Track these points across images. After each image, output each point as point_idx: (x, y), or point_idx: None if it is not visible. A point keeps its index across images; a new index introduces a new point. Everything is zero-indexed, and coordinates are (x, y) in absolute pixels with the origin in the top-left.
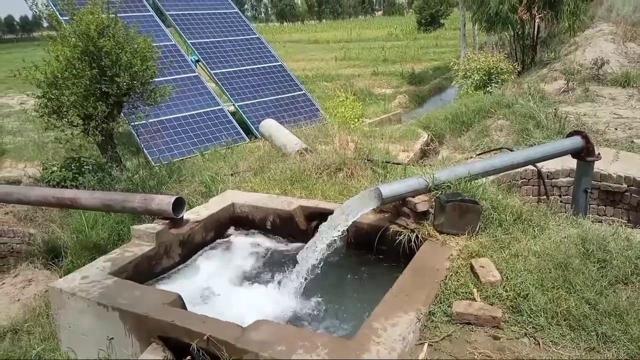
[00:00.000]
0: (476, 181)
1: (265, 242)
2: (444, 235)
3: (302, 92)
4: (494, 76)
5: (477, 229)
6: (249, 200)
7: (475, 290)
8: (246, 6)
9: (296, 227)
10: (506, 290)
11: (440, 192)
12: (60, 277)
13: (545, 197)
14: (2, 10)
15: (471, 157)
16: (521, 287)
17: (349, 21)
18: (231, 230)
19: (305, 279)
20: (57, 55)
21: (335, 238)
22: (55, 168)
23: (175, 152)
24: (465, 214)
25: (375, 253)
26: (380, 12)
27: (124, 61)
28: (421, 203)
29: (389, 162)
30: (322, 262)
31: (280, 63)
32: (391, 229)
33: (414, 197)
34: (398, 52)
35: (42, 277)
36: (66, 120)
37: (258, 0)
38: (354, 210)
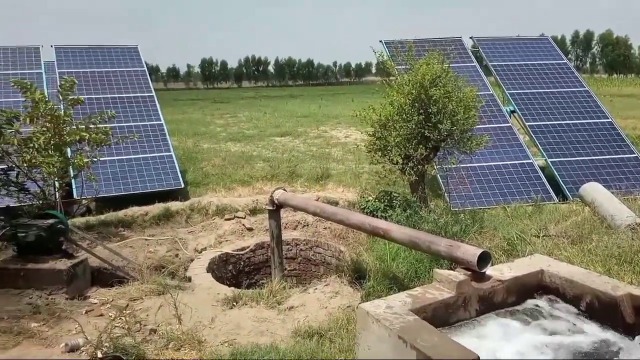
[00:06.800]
0: None
1: (576, 325)
2: None
3: (633, 154)
4: None
5: None
6: (563, 272)
7: None
8: (570, 56)
9: (620, 318)
10: None
11: None
12: (361, 297)
13: None
14: (341, 59)
15: None
16: None
17: None
18: (536, 299)
19: None
20: (392, 100)
21: None
22: (370, 198)
23: (475, 200)
24: None
25: None
26: None
27: (449, 109)
28: None
29: None
30: None
31: (609, 120)
32: None
33: None
34: None
35: (346, 292)
36: (388, 157)
37: (585, 50)
38: None
